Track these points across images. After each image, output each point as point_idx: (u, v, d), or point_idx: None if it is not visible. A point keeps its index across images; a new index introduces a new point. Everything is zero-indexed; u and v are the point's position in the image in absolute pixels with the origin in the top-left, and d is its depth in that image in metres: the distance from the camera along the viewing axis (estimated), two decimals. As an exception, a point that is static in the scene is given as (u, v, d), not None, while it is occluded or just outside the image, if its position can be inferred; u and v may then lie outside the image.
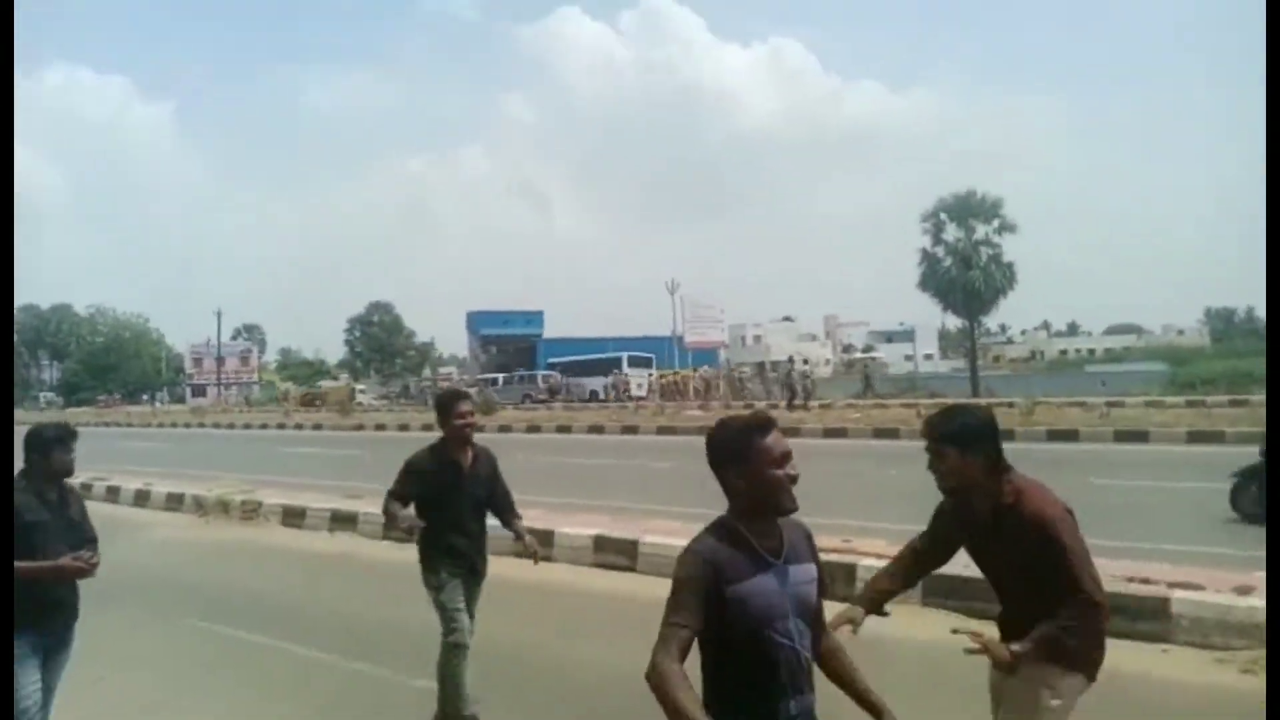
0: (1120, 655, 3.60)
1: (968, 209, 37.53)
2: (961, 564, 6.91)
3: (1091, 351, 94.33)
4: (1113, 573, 6.10)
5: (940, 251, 37.80)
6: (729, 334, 58.88)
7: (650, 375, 43.67)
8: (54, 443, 3.87)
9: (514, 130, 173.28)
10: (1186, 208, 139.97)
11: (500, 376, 52.56)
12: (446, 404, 4.78)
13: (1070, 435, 17.20)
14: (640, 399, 38.37)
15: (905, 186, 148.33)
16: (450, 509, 4.72)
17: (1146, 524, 8.92)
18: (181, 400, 71.73)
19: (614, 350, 52.86)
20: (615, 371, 43.94)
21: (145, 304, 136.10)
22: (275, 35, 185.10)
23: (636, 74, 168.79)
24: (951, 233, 37.81)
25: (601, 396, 42.34)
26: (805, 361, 35.00)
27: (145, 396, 77.95)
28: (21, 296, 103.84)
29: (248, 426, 34.70)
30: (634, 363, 45.94)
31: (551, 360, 52.89)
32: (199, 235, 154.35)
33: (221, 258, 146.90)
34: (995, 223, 37.41)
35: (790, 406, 26.62)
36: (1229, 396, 24.49)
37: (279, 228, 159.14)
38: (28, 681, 3.68)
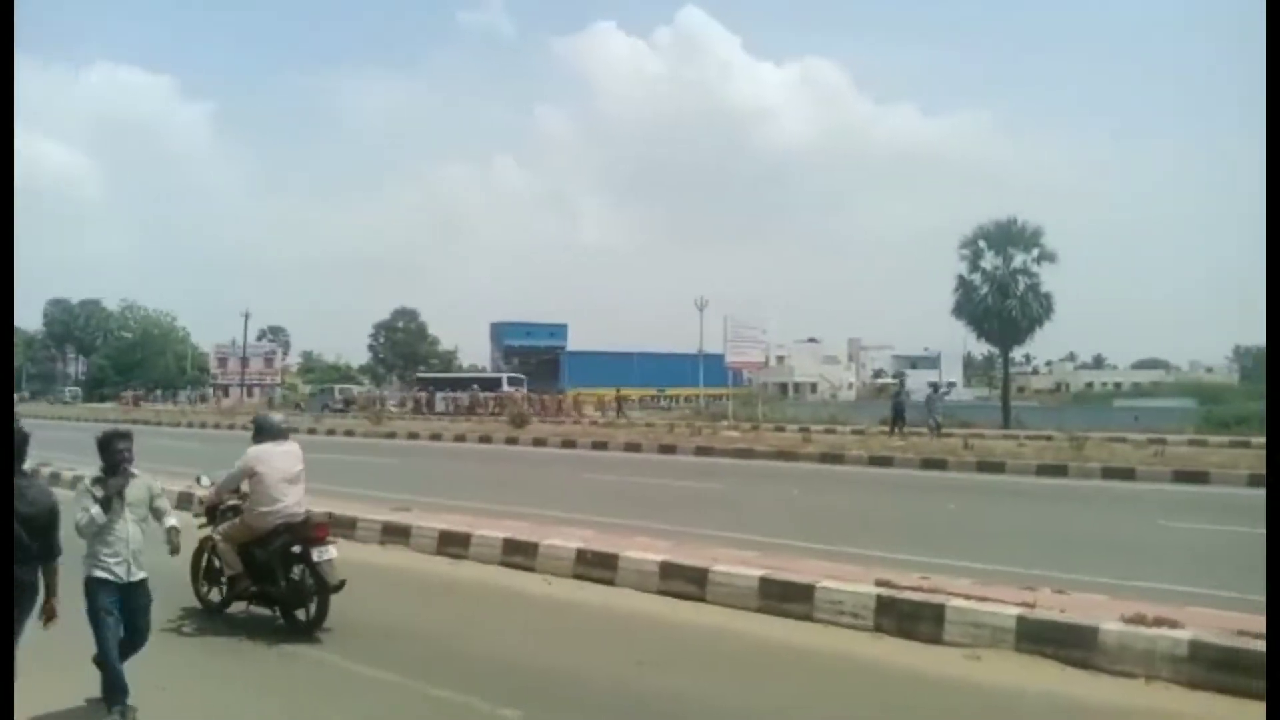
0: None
1: (1007, 237, 37.13)
2: (1058, 609, 6.69)
3: (1118, 385, 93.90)
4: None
5: (977, 279, 37.42)
6: (752, 353, 59.90)
7: (520, 392, 48.44)
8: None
9: (546, 143, 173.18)
10: (1218, 245, 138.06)
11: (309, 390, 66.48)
12: None
13: (1126, 474, 16.86)
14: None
15: (934, 212, 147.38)
16: None
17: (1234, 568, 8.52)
18: (204, 399, 71.98)
19: (638, 363, 61.51)
20: (474, 387, 50.26)
21: (173, 302, 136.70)
22: (312, 41, 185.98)
23: (670, 90, 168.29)
24: (989, 260, 37.47)
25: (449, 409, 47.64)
26: (939, 388, 34.41)
27: (168, 394, 78.19)
28: (54, 290, 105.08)
29: (276, 429, 34.55)
30: (512, 382, 52.04)
31: (421, 375, 64.94)
32: (230, 236, 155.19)
33: (250, 259, 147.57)
34: (1034, 252, 37.00)
35: (934, 434, 26.33)
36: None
37: (308, 231, 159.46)
38: None
